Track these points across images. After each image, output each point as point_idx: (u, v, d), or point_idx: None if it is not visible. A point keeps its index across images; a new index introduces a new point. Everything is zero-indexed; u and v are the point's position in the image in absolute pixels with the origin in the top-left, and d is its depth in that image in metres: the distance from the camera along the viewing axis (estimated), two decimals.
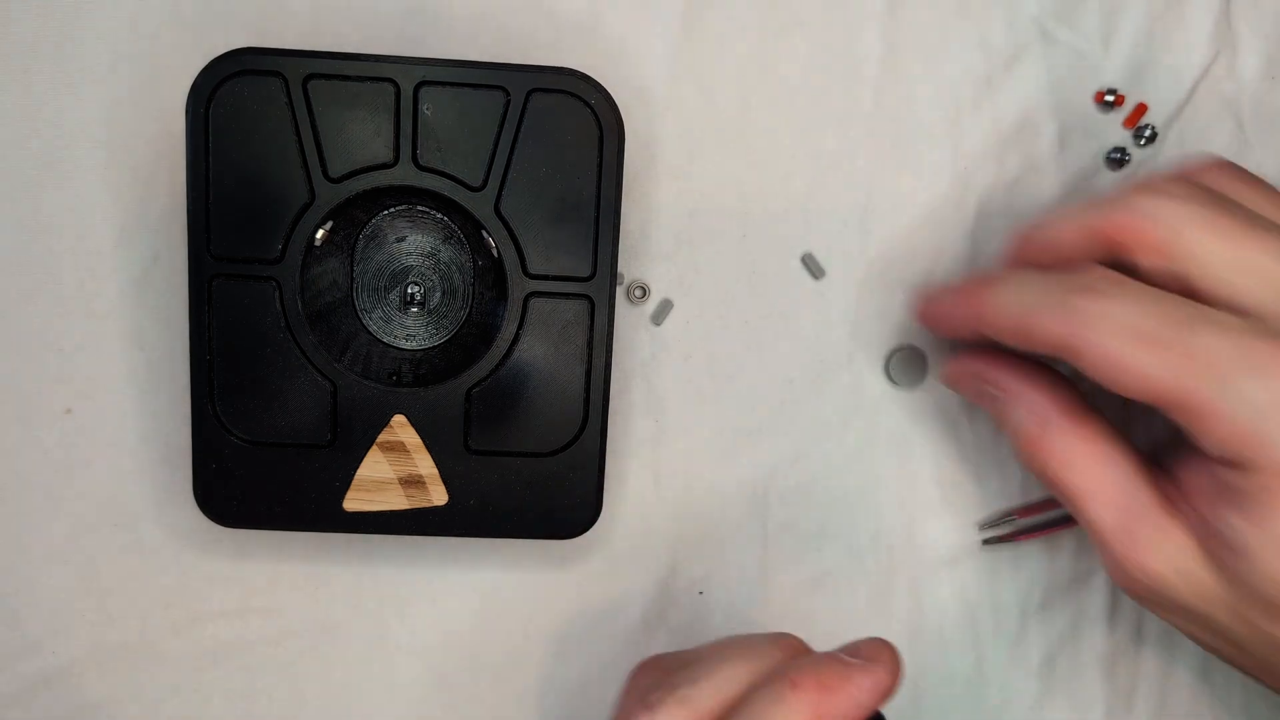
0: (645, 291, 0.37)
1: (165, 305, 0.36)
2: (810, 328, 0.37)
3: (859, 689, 0.27)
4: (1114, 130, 0.38)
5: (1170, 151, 0.38)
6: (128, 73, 0.35)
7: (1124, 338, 0.28)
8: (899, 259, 0.37)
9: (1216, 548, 0.29)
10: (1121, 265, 0.30)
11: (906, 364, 0.37)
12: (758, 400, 0.37)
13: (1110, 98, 0.37)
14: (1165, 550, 0.29)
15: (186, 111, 0.31)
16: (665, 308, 0.37)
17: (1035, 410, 0.32)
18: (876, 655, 0.28)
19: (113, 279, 0.36)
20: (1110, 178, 0.38)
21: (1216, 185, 0.31)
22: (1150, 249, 0.29)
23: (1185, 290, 0.29)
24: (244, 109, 0.31)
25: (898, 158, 0.37)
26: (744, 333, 0.37)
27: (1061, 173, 0.38)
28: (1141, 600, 0.31)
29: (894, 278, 0.37)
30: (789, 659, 0.29)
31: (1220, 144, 0.38)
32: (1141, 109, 0.37)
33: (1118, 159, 0.37)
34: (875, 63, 0.37)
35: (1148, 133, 0.37)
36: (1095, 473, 0.31)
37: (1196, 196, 0.29)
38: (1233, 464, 0.28)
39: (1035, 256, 0.32)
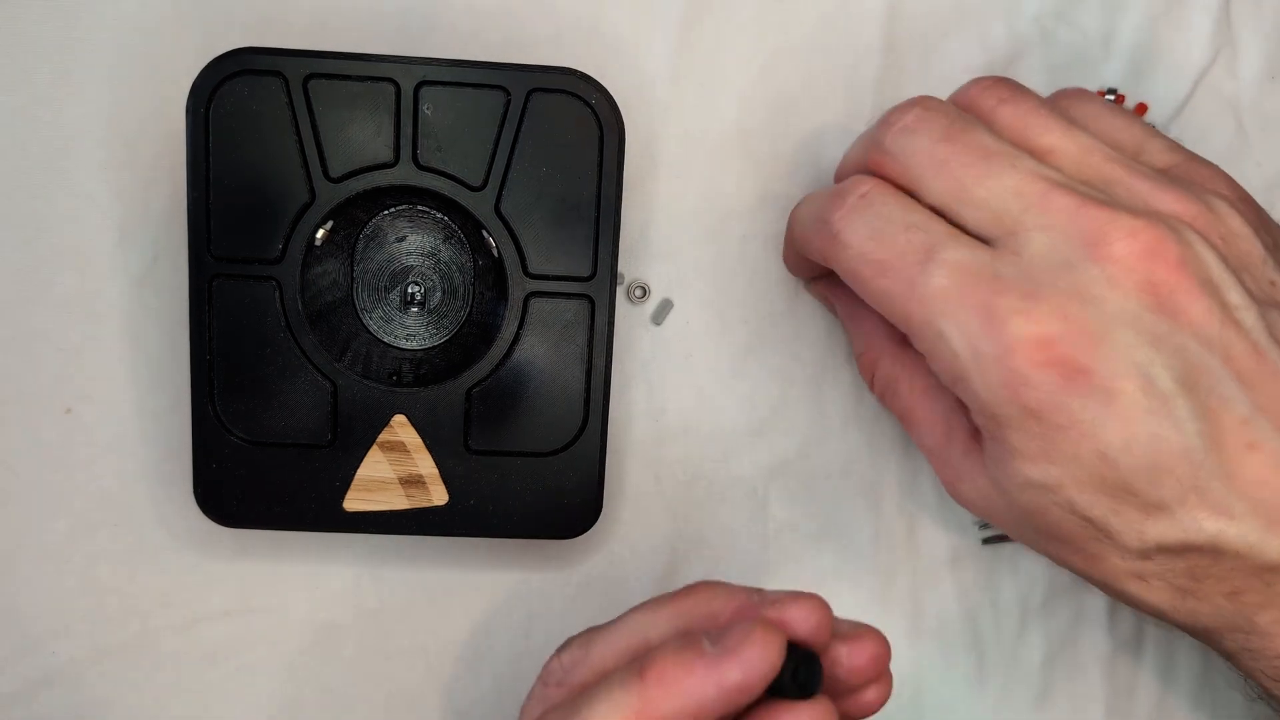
0: (645, 291, 0.37)
1: (165, 305, 0.36)
2: (810, 328, 0.37)
3: (699, 683, 0.25)
4: None
5: None
6: (128, 73, 0.35)
7: (861, 261, 0.29)
8: None
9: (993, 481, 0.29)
10: None
11: None
12: (758, 400, 0.37)
13: (1110, 98, 0.37)
14: (976, 482, 0.30)
15: (186, 111, 0.31)
16: (665, 307, 0.37)
17: (866, 333, 0.33)
18: (747, 640, 0.25)
19: (113, 279, 0.36)
20: None
21: (982, 104, 0.30)
22: (895, 182, 0.30)
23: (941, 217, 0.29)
24: (244, 109, 0.31)
25: None
26: (744, 333, 0.37)
27: None
28: (972, 513, 0.33)
29: None
30: (671, 633, 0.28)
31: (1220, 143, 0.38)
32: (1141, 109, 0.37)
33: None
34: (875, 62, 0.37)
35: None
36: (920, 400, 0.32)
37: (930, 128, 0.29)
38: (960, 398, 0.28)
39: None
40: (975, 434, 0.30)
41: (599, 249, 0.33)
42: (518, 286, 0.33)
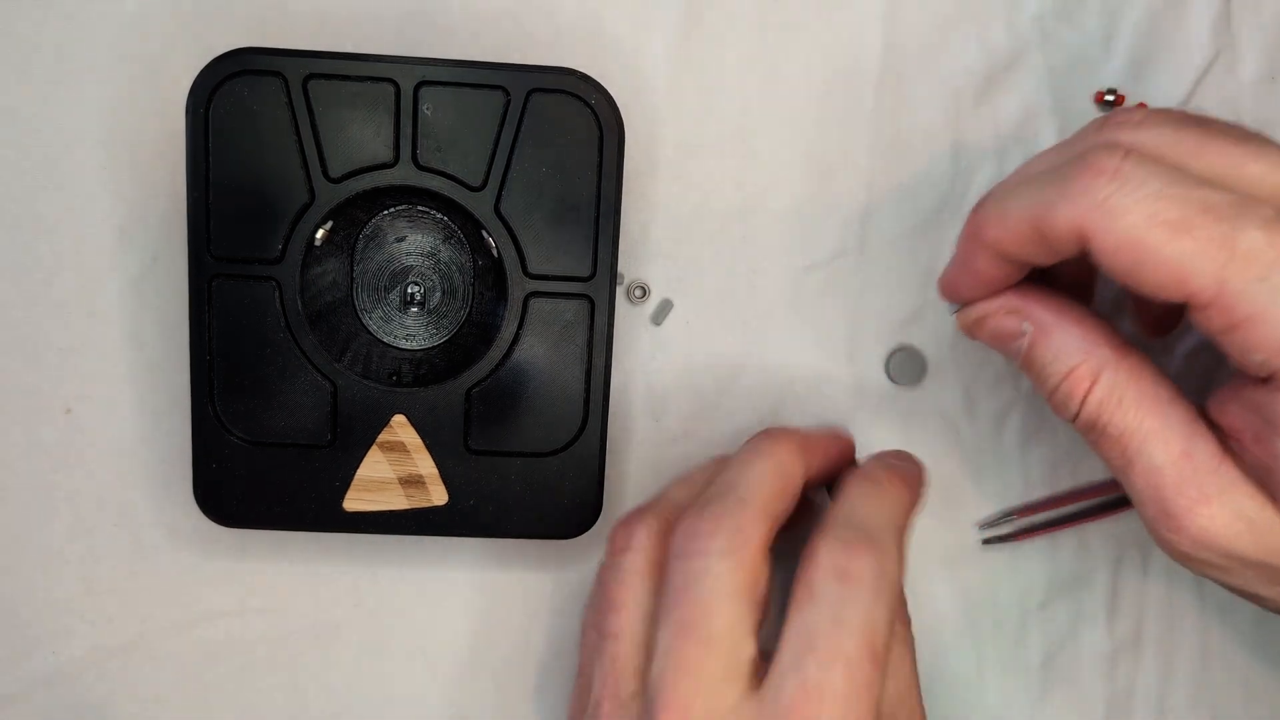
0: (645, 291, 0.37)
1: (165, 305, 0.36)
2: (810, 328, 0.37)
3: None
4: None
5: None
6: (128, 73, 0.35)
7: (1151, 222, 0.24)
8: (899, 259, 0.37)
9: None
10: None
11: (906, 364, 0.37)
12: (758, 400, 0.37)
13: (1110, 98, 0.37)
14: (1232, 500, 0.26)
15: (186, 111, 0.31)
16: (665, 308, 0.37)
17: (1079, 343, 0.28)
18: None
19: (113, 279, 0.36)
20: None
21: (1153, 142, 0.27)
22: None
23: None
24: (244, 109, 0.31)
25: (898, 158, 0.37)
26: (744, 333, 0.37)
27: None
28: (1195, 562, 0.28)
29: (894, 278, 0.37)
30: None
31: None
32: (1141, 109, 0.37)
33: None
34: (875, 63, 0.37)
35: None
36: (1153, 412, 0.27)
37: (1165, 120, 0.27)
38: (1270, 378, 0.25)
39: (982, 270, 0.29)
40: (1224, 447, 0.27)
41: (599, 249, 0.33)
42: (517, 286, 0.33)
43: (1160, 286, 0.25)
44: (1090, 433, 0.28)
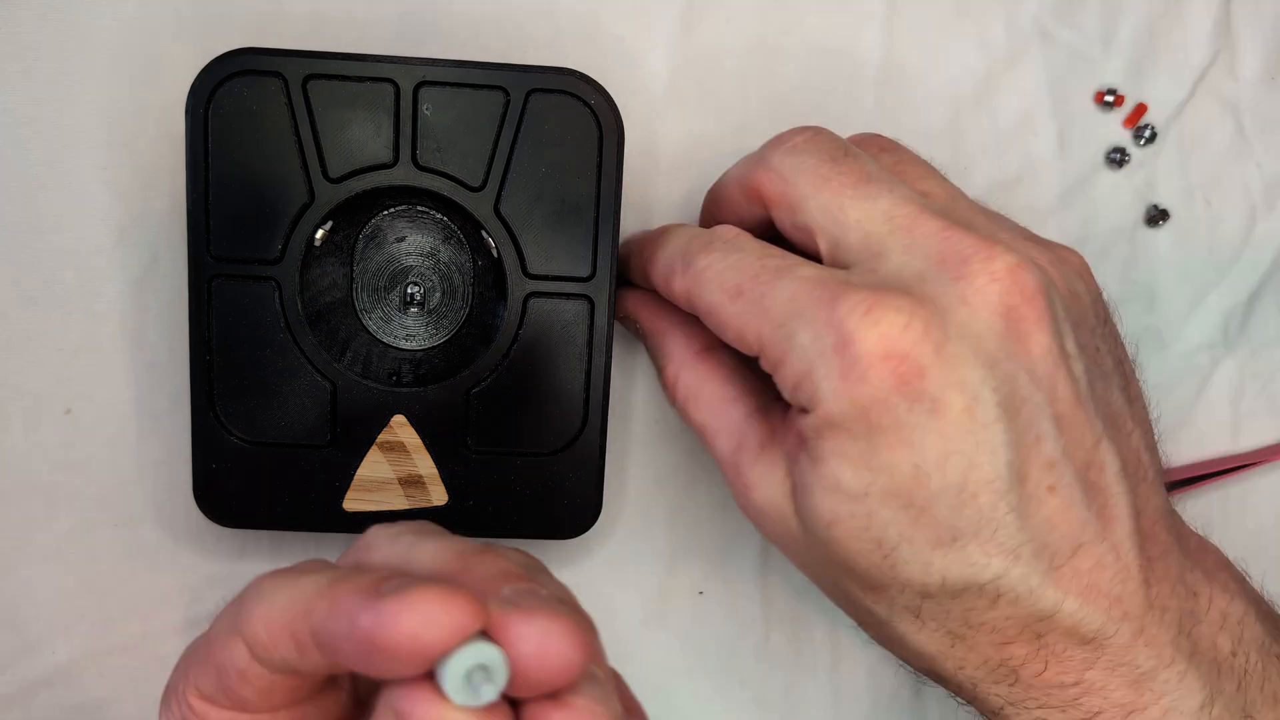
0: None
1: (165, 305, 0.36)
2: None
3: (335, 610, 0.21)
4: (1114, 130, 0.38)
5: (1170, 151, 0.38)
6: (128, 73, 0.35)
7: (719, 291, 0.29)
8: None
9: (794, 488, 0.29)
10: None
11: None
12: None
13: (1110, 98, 0.37)
14: (765, 492, 0.30)
15: (186, 111, 0.31)
16: None
17: (670, 349, 0.33)
18: (406, 598, 0.20)
19: (113, 279, 0.36)
20: (1110, 178, 0.38)
21: (865, 147, 0.31)
22: (776, 203, 0.30)
23: (810, 242, 0.30)
24: (244, 109, 0.31)
25: None
26: None
27: (1061, 173, 0.38)
28: (762, 531, 0.32)
29: None
30: (432, 560, 0.24)
31: (1220, 144, 0.38)
32: (1141, 109, 0.37)
33: (1118, 159, 0.37)
34: (875, 63, 0.37)
35: (1148, 133, 0.37)
36: (715, 410, 0.32)
37: (818, 149, 0.30)
38: (801, 408, 0.28)
39: (715, 214, 0.33)
40: (767, 442, 0.30)
41: (598, 249, 0.33)
42: (517, 287, 0.33)
43: (734, 340, 0.30)
44: (685, 421, 0.33)
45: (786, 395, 0.29)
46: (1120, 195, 0.38)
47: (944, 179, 0.31)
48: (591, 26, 0.36)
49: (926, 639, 0.29)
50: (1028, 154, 0.37)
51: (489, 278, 0.34)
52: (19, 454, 0.36)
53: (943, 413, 0.26)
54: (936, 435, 0.26)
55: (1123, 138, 0.38)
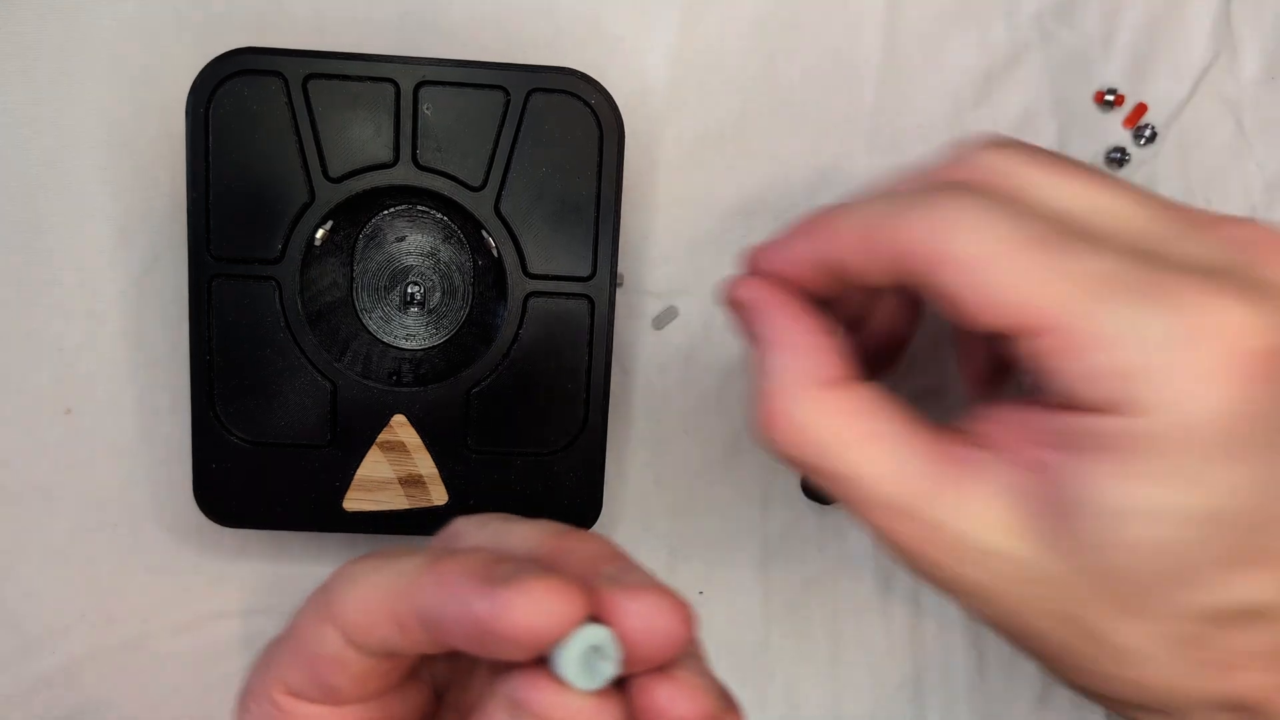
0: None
1: (165, 305, 0.36)
2: None
3: (454, 598, 0.21)
4: (1114, 130, 0.38)
5: (1170, 151, 0.38)
6: (128, 73, 0.35)
7: (996, 244, 0.23)
8: None
9: (1050, 508, 0.23)
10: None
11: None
12: None
13: (1110, 98, 0.37)
14: (966, 520, 0.24)
15: (186, 111, 0.31)
16: (669, 314, 0.37)
17: (783, 369, 0.26)
18: (520, 587, 0.20)
19: (113, 279, 0.36)
20: None
21: (1003, 176, 0.26)
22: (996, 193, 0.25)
23: None
24: (244, 109, 0.31)
25: (898, 158, 0.37)
26: None
27: None
28: (941, 589, 0.26)
29: None
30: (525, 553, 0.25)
31: (1220, 144, 0.38)
32: (1141, 109, 0.37)
33: (1118, 159, 0.37)
34: (875, 63, 0.37)
35: (1148, 133, 0.37)
36: (857, 449, 0.25)
37: (1017, 145, 0.26)
38: (1099, 407, 0.23)
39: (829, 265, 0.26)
40: (961, 467, 0.24)
41: (599, 249, 0.33)
42: (517, 286, 0.33)
43: (995, 314, 0.23)
44: (787, 462, 0.26)
45: (1076, 386, 0.23)
46: None
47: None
48: (591, 26, 0.36)
49: (1171, 672, 0.24)
50: None
51: (489, 277, 0.34)
52: (19, 454, 0.36)
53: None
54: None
55: (1123, 138, 0.38)
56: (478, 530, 0.25)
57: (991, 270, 0.23)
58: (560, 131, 0.32)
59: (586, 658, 0.20)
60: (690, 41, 0.36)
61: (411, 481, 0.33)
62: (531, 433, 0.33)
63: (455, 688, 0.27)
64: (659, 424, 0.37)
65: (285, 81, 0.31)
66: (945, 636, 0.38)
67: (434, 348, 0.34)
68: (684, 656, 0.22)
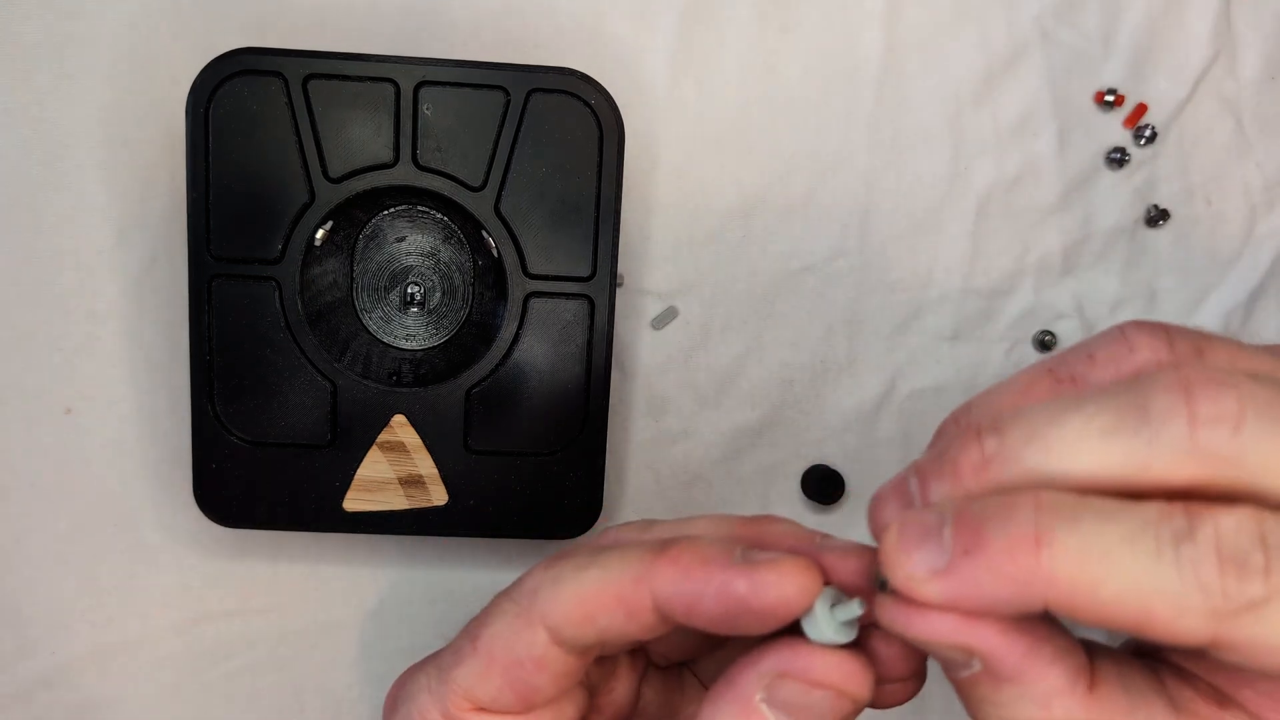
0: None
1: (165, 305, 0.36)
2: (810, 327, 0.37)
3: (705, 581, 0.23)
4: (1114, 130, 0.38)
5: (1170, 151, 0.38)
6: (128, 73, 0.35)
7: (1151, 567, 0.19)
8: (899, 259, 0.37)
9: None
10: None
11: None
12: (758, 401, 0.37)
13: (1110, 98, 0.37)
14: None
15: (186, 111, 0.31)
16: (669, 314, 0.37)
17: (1044, 688, 0.21)
18: (774, 566, 0.23)
19: (113, 279, 0.36)
20: (1110, 178, 0.38)
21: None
22: (1226, 492, 0.20)
23: None
24: (244, 109, 0.31)
25: (898, 158, 0.37)
26: (744, 333, 0.37)
27: (1061, 173, 0.38)
28: None
29: (894, 278, 0.37)
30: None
31: (1220, 144, 0.38)
32: (1141, 109, 0.37)
33: (1118, 159, 0.37)
34: (875, 63, 0.37)
35: (1148, 133, 0.37)
36: None
37: (1258, 406, 0.20)
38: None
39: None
40: None
41: (599, 249, 0.32)
42: (517, 286, 0.33)
43: (1165, 625, 0.19)
44: None
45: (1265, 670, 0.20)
46: (1120, 195, 0.38)
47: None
48: (592, 26, 0.36)
49: None
50: (1028, 154, 0.37)
51: (489, 278, 0.34)
52: (19, 454, 0.36)
53: None
54: None
55: (1123, 138, 0.38)
56: (643, 532, 0.28)
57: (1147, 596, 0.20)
58: (560, 131, 0.32)
59: (835, 615, 0.23)
60: (690, 41, 0.36)
61: (411, 481, 0.33)
62: (531, 433, 0.33)
63: (604, 690, 0.29)
64: (659, 424, 0.37)
65: (285, 81, 0.31)
66: None
67: (434, 348, 0.34)
68: None
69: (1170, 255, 0.38)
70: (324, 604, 0.37)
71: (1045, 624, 0.22)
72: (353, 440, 0.33)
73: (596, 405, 0.33)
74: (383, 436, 0.33)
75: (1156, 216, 0.38)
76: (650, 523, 0.28)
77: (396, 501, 0.33)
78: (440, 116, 0.32)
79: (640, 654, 0.30)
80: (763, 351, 0.37)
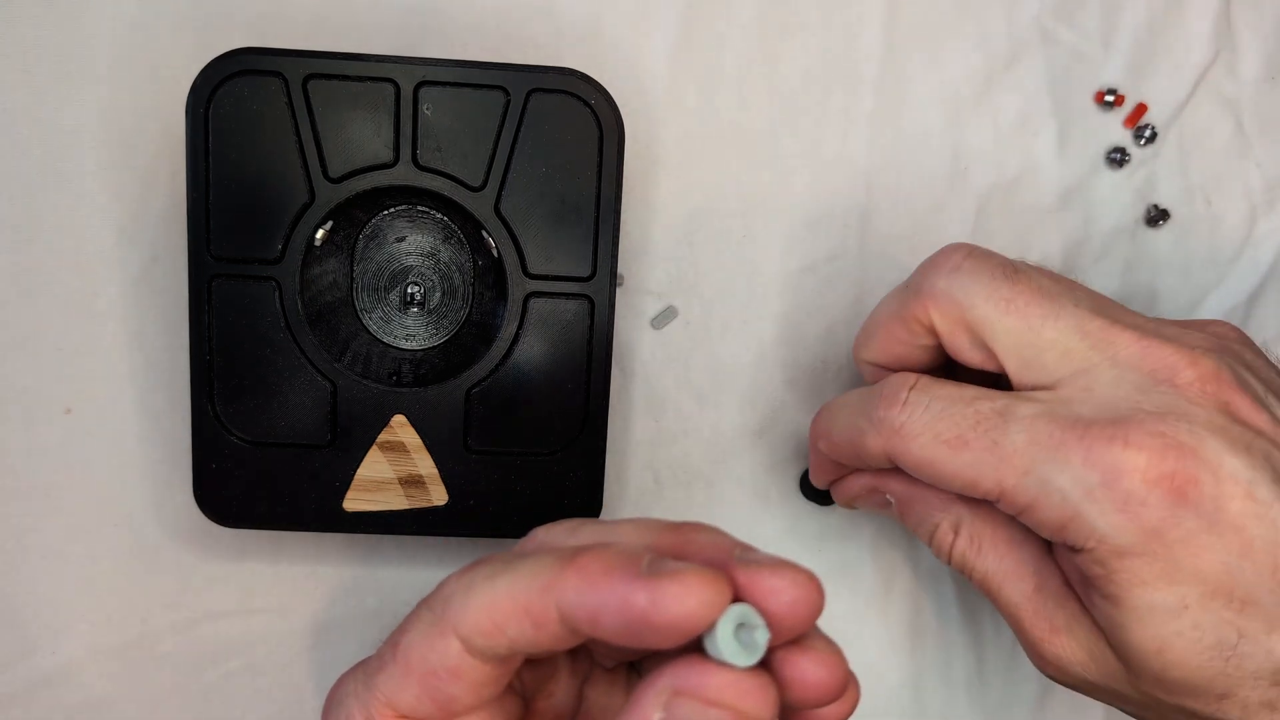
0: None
1: (165, 305, 0.36)
2: (810, 327, 0.37)
3: (608, 592, 0.23)
4: (1114, 130, 0.38)
5: (1170, 151, 0.38)
6: (128, 73, 0.35)
7: (934, 444, 0.29)
8: (899, 259, 0.37)
9: (1103, 628, 0.29)
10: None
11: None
12: (758, 401, 0.37)
13: (1110, 98, 0.37)
14: (1076, 634, 0.29)
15: (186, 111, 0.31)
16: (669, 314, 0.37)
17: (939, 507, 0.31)
18: (676, 577, 0.22)
19: (113, 279, 0.36)
20: (1110, 178, 0.38)
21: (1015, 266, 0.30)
22: (951, 329, 0.29)
23: (993, 364, 0.29)
24: (244, 109, 0.31)
25: (898, 158, 0.37)
26: (744, 333, 0.37)
27: (1061, 173, 0.38)
28: (1060, 682, 0.31)
29: (894, 278, 0.37)
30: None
31: (1220, 144, 0.38)
32: (1141, 109, 0.37)
33: (1118, 159, 0.37)
34: (875, 63, 0.37)
35: (1148, 133, 0.37)
36: (1006, 554, 0.31)
37: (988, 269, 0.29)
38: (1071, 549, 0.28)
39: (871, 355, 0.32)
40: (1067, 582, 0.30)
41: (599, 249, 0.33)
42: (517, 286, 0.33)
43: (961, 489, 0.29)
44: (962, 574, 0.31)
45: (1045, 535, 0.28)
46: (1120, 195, 0.38)
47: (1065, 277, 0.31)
48: (592, 26, 0.36)
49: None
50: (1028, 154, 0.37)
51: (489, 278, 0.34)
52: (19, 454, 0.36)
53: (1226, 507, 0.26)
54: (1230, 529, 0.26)
55: (1123, 138, 0.38)
56: (569, 535, 0.27)
57: (937, 472, 0.29)
58: (560, 131, 0.32)
59: (738, 635, 0.22)
60: (690, 42, 0.36)
61: (411, 481, 0.33)
62: (531, 433, 0.33)
63: (541, 695, 0.29)
64: (659, 424, 0.37)
65: (285, 81, 0.31)
66: (945, 636, 0.38)
67: (434, 348, 0.34)
68: (812, 629, 0.24)
69: (1170, 255, 0.39)
70: (324, 604, 0.37)
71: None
72: (353, 440, 0.33)
73: (596, 405, 0.33)
74: (383, 436, 0.33)
75: (1156, 216, 0.38)
76: (579, 523, 0.27)
77: (396, 501, 0.33)
78: (440, 116, 0.32)
79: (583, 655, 0.29)
80: (763, 351, 0.37)
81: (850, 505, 0.35)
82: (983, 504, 0.30)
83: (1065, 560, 0.29)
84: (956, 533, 0.31)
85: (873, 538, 0.38)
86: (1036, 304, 0.29)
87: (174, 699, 0.37)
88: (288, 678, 0.37)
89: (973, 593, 0.38)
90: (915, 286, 0.30)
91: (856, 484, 0.34)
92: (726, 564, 0.23)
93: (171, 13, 0.35)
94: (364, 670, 0.27)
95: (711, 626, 0.22)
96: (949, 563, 0.32)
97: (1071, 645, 0.29)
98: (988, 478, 0.28)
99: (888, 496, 0.33)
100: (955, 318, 0.29)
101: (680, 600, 0.22)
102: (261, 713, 0.37)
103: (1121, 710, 0.31)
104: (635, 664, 0.30)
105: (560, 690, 0.29)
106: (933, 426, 0.29)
